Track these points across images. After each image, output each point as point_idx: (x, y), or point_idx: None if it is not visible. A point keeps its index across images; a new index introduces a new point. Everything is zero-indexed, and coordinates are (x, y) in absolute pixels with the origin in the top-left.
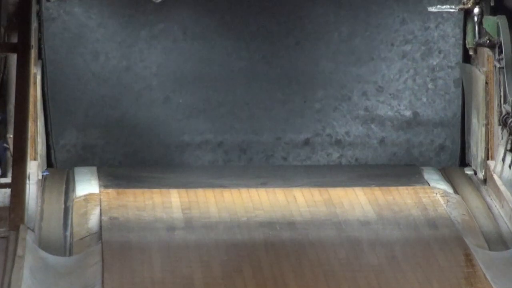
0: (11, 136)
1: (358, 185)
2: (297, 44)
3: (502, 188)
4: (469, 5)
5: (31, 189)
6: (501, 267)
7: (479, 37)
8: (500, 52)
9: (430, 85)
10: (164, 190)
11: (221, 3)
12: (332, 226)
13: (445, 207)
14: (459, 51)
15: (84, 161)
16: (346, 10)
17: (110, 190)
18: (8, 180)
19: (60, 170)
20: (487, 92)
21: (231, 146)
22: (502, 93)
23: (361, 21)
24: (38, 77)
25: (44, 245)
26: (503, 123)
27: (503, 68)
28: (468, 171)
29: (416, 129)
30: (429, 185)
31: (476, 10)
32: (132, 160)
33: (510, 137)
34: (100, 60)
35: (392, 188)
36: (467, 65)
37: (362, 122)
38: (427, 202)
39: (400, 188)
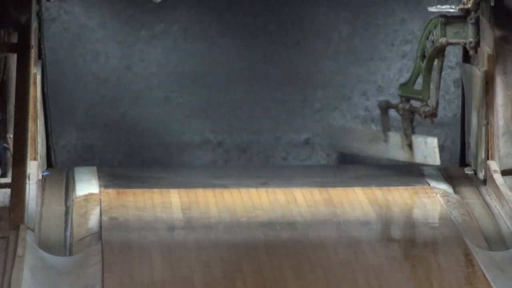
0: (11, 136)
1: (358, 185)
2: (297, 44)
3: (502, 188)
4: (469, 5)
5: (31, 189)
6: (501, 267)
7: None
8: None
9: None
10: (164, 190)
11: (221, 3)
12: (332, 226)
13: (445, 207)
14: (459, 51)
15: (84, 161)
16: (346, 10)
17: (110, 190)
18: (8, 180)
19: (60, 170)
20: (487, 92)
21: (231, 146)
22: None
23: (361, 21)
24: (38, 77)
25: (44, 245)
26: None
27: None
28: (468, 171)
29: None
30: (429, 185)
31: None
32: (132, 160)
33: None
34: (100, 60)
35: (392, 188)
36: (467, 65)
37: (362, 122)
38: (427, 202)
39: (400, 188)
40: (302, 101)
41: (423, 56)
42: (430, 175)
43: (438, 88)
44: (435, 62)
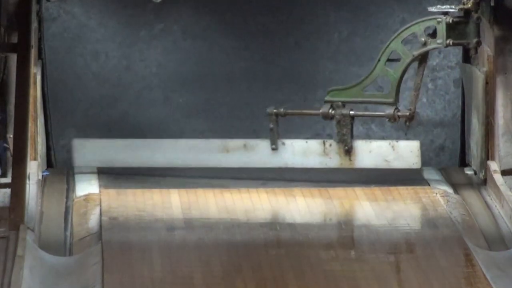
0: (11, 136)
1: (358, 185)
2: (297, 44)
3: (502, 188)
4: (469, 5)
5: (31, 189)
6: (501, 267)
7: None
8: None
9: (430, 85)
10: (164, 190)
11: (221, 3)
12: (332, 226)
13: (445, 207)
14: (459, 51)
15: None
16: (346, 10)
17: (110, 190)
18: (8, 180)
19: (60, 170)
20: (487, 92)
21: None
22: None
23: (361, 21)
24: (38, 77)
25: (44, 245)
26: None
27: None
28: (468, 171)
29: (416, 129)
30: (429, 185)
31: None
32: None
33: None
34: (100, 60)
35: (392, 188)
36: (467, 65)
37: (362, 122)
38: (427, 202)
39: (400, 188)
40: (302, 101)
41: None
42: (430, 175)
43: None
44: (418, 66)
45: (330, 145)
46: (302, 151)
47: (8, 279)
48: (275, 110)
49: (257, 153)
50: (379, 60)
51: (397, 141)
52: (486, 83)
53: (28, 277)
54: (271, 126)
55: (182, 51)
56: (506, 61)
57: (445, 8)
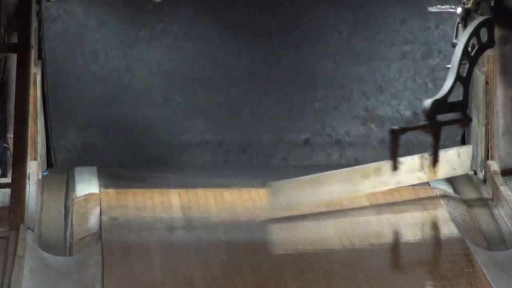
0: (11, 136)
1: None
2: (297, 44)
3: (502, 188)
4: (469, 5)
5: (31, 189)
6: (501, 267)
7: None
8: None
9: (430, 85)
10: (164, 190)
11: (221, 3)
12: (331, 226)
13: (445, 207)
14: None
15: (84, 161)
16: (346, 10)
17: (110, 190)
18: (8, 180)
19: (60, 170)
20: (487, 92)
21: (231, 146)
22: None
23: (361, 21)
24: (38, 77)
25: (44, 245)
26: None
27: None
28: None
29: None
30: (429, 185)
31: (459, 10)
32: (132, 160)
33: None
34: (100, 60)
35: (392, 188)
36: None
37: (362, 122)
38: (427, 202)
39: (400, 188)
40: (302, 101)
41: None
42: None
43: None
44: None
45: (426, 158)
46: (410, 169)
47: (8, 279)
48: (399, 128)
49: (382, 175)
50: (458, 70)
51: (461, 147)
52: (486, 83)
53: (28, 277)
54: (392, 146)
55: (182, 51)
56: (506, 61)
57: (445, 8)
